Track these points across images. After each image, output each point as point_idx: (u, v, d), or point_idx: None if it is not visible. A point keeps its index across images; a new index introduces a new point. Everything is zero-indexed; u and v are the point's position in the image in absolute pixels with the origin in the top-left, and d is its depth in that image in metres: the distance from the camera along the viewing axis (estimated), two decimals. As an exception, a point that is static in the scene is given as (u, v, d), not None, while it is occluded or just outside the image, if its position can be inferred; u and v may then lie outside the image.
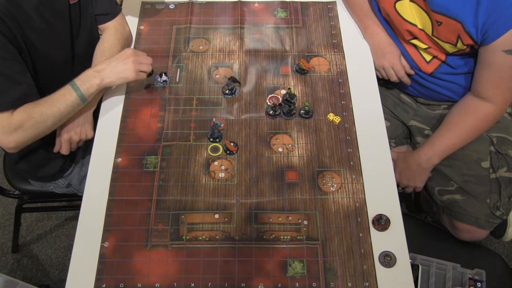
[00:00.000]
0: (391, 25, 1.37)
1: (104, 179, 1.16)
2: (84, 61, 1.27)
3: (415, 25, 1.28)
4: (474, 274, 1.29)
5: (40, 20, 1.11)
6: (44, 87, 1.15)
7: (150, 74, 1.28)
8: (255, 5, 1.51)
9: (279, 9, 1.50)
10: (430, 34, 1.27)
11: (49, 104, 1.12)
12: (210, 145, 1.22)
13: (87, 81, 1.17)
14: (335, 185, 1.16)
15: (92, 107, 1.26)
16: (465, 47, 1.23)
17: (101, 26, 1.32)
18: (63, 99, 1.13)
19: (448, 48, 1.26)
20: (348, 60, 1.38)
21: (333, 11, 1.50)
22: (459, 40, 1.21)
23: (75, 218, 1.91)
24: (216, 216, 1.12)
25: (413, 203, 1.78)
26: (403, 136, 1.54)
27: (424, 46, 1.31)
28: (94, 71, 1.19)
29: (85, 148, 1.36)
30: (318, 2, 1.52)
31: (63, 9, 1.17)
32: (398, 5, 1.28)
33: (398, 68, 1.37)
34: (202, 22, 1.46)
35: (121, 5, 1.35)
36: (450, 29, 1.20)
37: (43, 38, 1.13)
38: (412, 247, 1.13)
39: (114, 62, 1.21)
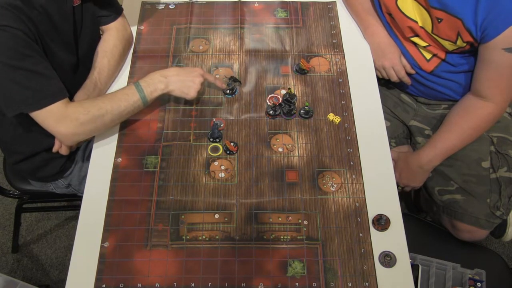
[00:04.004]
0: (392, 24, 1.37)
1: (104, 179, 1.16)
2: (86, 62, 1.26)
3: (416, 22, 1.28)
4: (474, 274, 1.29)
5: (50, 24, 1.10)
6: None
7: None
8: (255, 5, 1.51)
9: (279, 9, 1.50)
10: (430, 31, 1.27)
11: (109, 100, 1.12)
12: (210, 145, 1.22)
13: (153, 85, 1.17)
14: (335, 185, 1.16)
15: None
16: (464, 44, 1.23)
17: (102, 27, 1.32)
18: (124, 98, 1.14)
19: (448, 45, 1.26)
20: (348, 60, 1.38)
21: (333, 11, 1.50)
22: (459, 38, 1.21)
23: (75, 218, 1.91)
24: (216, 216, 1.12)
25: (413, 203, 1.78)
26: (403, 136, 1.54)
27: (424, 44, 1.31)
28: (161, 75, 1.19)
29: (84, 148, 1.36)
30: (318, 2, 1.52)
31: (68, 12, 1.17)
32: (400, 1, 1.28)
33: (398, 68, 1.37)
34: (202, 22, 1.46)
35: (121, 5, 1.35)
36: (450, 26, 1.20)
37: (53, 41, 1.12)
38: (412, 247, 1.13)
39: (184, 75, 1.22)
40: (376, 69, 1.39)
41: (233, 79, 1.31)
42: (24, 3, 1.02)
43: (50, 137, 1.15)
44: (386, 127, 1.27)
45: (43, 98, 1.04)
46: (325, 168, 1.19)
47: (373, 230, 1.10)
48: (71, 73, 1.23)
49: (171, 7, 1.50)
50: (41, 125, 1.08)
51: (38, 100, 1.04)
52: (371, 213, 1.12)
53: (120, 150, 1.21)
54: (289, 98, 1.27)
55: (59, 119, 1.06)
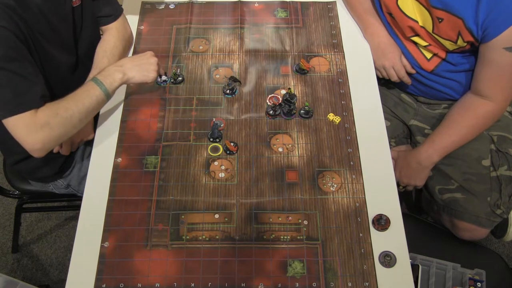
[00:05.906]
0: (392, 24, 1.37)
1: (104, 179, 1.16)
2: (86, 62, 1.26)
3: (417, 22, 1.28)
4: (474, 274, 1.29)
5: (47, 25, 1.10)
6: (52, 90, 1.13)
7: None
8: (255, 5, 1.51)
9: (279, 9, 1.50)
10: (430, 31, 1.27)
11: (74, 100, 1.09)
12: (210, 145, 1.22)
13: (110, 76, 1.15)
14: (335, 185, 1.16)
15: None
16: (465, 44, 1.23)
17: (103, 27, 1.32)
18: (87, 94, 1.11)
19: (448, 45, 1.26)
20: (348, 60, 1.38)
21: (333, 11, 1.50)
22: (460, 37, 1.21)
23: (75, 218, 1.90)
24: (216, 216, 1.12)
25: (414, 203, 1.78)
26: (403, 135, 1.54)
27: (425, 44, 1.31)
28: (116, 65, 1.18)
29: (84, 148, 1.36)
30: (318, 2, 1.52)
31: (67, 12, 1.17)
32: (400, 1, 1.28)
33: (399, 68, 1.37)
34: (202, 22, 1.46)
35: (121, 5, 1.35)
36: (450, 26, 1.20)
37: (49, 42, 1.12)
38: (412, 247, 1.13)
39: (137, 59, 1.22)
40: (376, 69, 1.39)
41: (233, 79, 1.31)
42: (18, 3, 1.01)
43: None
44: (386, 127, 1.27)
45: (22, 103, 1.01)
46: (325, 168, 1.19)
47: (373, 230, 1.10)
48: (69, 73, 1.22)
49: (171, 7, 1.50)
50: (11, 133, 1.04)
51: (18, 104, 1.01)
52: (371, 213, 1.12)
53: (120, 150, 1.21)
54: (289, 98, 1.26)
55: (30, 126, 1.02)
